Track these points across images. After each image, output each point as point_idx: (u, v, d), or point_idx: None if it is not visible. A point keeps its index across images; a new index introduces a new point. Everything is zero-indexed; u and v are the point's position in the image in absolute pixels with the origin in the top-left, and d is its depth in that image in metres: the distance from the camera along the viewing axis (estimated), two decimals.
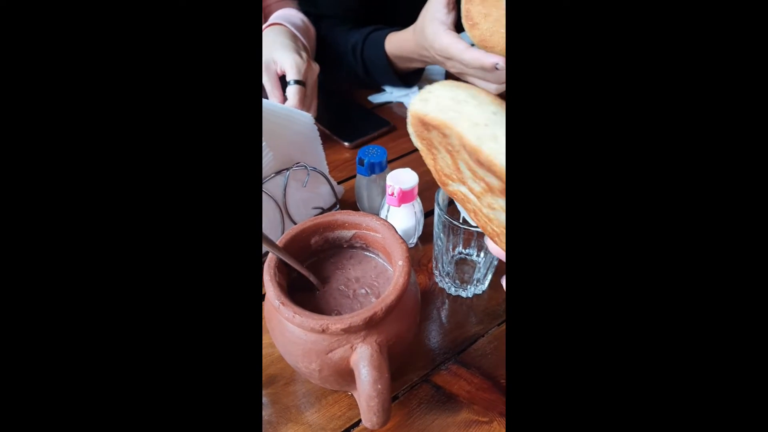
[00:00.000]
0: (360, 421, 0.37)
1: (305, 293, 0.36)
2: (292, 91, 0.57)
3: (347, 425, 0.36)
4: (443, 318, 0.44)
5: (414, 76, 0.73)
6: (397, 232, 0.36)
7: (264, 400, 0.38)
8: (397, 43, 0.66)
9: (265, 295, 0.38)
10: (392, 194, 0.44)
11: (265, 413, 0.37)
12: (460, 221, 0.40)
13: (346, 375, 0.32)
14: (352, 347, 0.30)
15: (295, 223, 0.49)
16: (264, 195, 0.45)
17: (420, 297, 0.36)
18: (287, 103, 0.57)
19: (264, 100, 0.44)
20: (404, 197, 0.44)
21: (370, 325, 0.30)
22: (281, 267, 0.34)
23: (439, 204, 0.40)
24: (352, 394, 0.38)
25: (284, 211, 0.48)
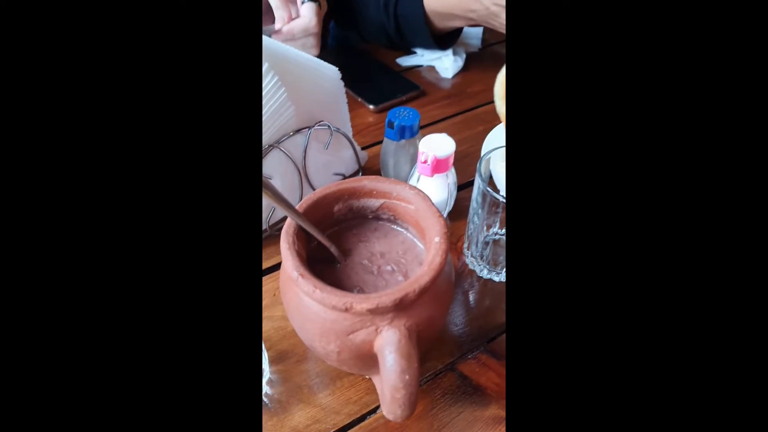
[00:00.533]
0: (377, 408, 0.33)
1: (324, 266, 0.33)
2: (309, 9, 0.50)
3: (363, 411, 0.33)
4: (472, 302, 0.40)
5: (450, 38, 0.67)
6: (433, 204, 0.31)
7: (274, 377, 0.35)
8: None
9: (280, 265, 0.35)
10: (425, 162, 0.39)
11: (275, 391, 0.34)
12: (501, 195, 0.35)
13: (367, 359, 0.28)
14: (377, 330, 0.27)
15: (314, 188, 0.45)
16: (282, 155, 0.41)
17: (453, 277, 0.32)
18: (301, 21, 0.51)
19: (288, 47, 0.39)
20: (438, 166, 0.40)
21: (400, 307, 0.26)
22: (300, 235, 0.30)
23: (480, 174, 0.36)
24: (370, 378, 0.35)
25: (303, 175, 0.43)
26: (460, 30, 0.67)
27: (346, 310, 0.26)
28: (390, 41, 0.69)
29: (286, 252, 0.28)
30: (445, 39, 0.67)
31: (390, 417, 0.27)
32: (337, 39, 0.74)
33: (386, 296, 0.26)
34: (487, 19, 0.56)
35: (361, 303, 0.26)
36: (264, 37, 0.36)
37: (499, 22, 0.53)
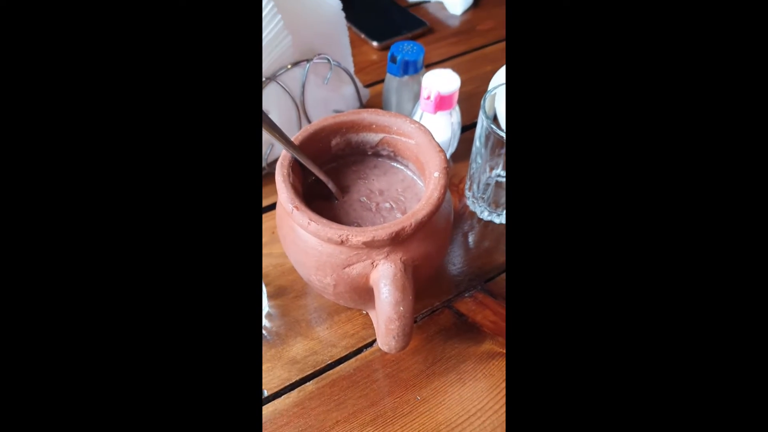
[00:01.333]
0: (374, 341, 0.34)
1: (321, 202, 0.32)
2: None
3: (360, 344, 0.34)
4: (471, 243, 0.40)
5: None
6: (434, 138, 0.30)
7: (272, 311, 0.36)
8: None
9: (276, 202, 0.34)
10: (428, 98, 0.38)
11: (274, 325, 0.35)
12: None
13: (363, 293, 0.28)
14: (373, 263, 0.27)
15: None
16: (279, 88, 0.39)
17: (452, 216, 0.32)
18: None
19: None
20: (442, 103, 0.38)
21: (396, 241, 0.26)
22: (296, 168, 0.29)
23: (485, 111, 0.34)
24: (366, 313, 0.35)
25: (301, 110, 0.42)
26: None
27: (342, 243, 0.26)
28: None
29: (280, 184, 0.28)
30: None
31: (384, 348, 0.28)
32: None
33: (382, 230, 0.25)
34: None
35: (357, 236, 0.25)
36: None
37: None
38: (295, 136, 0.30)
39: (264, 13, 0.34)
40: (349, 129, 0.32)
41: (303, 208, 0.27)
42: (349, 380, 0.32)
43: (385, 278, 0.26)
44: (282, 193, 0.27)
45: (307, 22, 0.39)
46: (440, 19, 0.64)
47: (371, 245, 0.26)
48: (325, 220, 0.26)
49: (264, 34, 0.35)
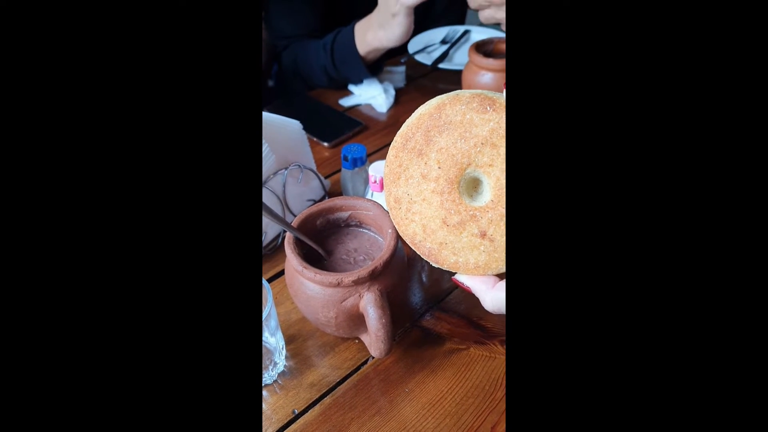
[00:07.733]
0: (367, 360, 0.47)
1: (316, 264, 0.46)
2: None
3: (357, 364, 0.46)
4: (424, 279, 0.55)
5: (377, 65, 0.86)
6: (384, 208, 0.46)
7: (288, 353, 0.47)
8: (364, 22, 0.79)
9: (277, 275, 0.47)
10: (375, 182, 0.54)
11: (290, 363, 0.47)
12: None
13: (356, 319, 0.42)
14: (360, 295, 0.40)
15: (294, 214, 0.58)
16: (267, 191, 0.54)
17: (406, 258, 0.46)
18: None
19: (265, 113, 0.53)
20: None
21: (373, 276, 0.40)
22: (297, 242, 0.44)
23: None
24: (358, 340, 0.48)
25: (284, 204, 0.57)
26: (384, 59, 0.86)
27: (338, 284, 0.40)
28: (331, 80, 0.85)
29: (290, 254, 0.41)
30: (373, 67, 0.85)
31: (376, 353, 0.40)
32: (284, 84, 0.91)
33: (363, 270, 0.40)
34: (384, 44, 0.77)
35: (348, 277, 0.39)
36: None
37: (386, 44, 0.76)
38: (294, 221, 0.45)
39: None
40: (328, 211, 0.47)
41: (309, 266, 0.40)
42: (355, 390, 0.44)
43: (369, 303, 0.40)
44: (292, 260, 0.41)
45: (281, 143, 0.55)
46: (371, 116, 0.83)
47: (357, 282, 0.40)
48: (324, 272, 0.40)
49: None
